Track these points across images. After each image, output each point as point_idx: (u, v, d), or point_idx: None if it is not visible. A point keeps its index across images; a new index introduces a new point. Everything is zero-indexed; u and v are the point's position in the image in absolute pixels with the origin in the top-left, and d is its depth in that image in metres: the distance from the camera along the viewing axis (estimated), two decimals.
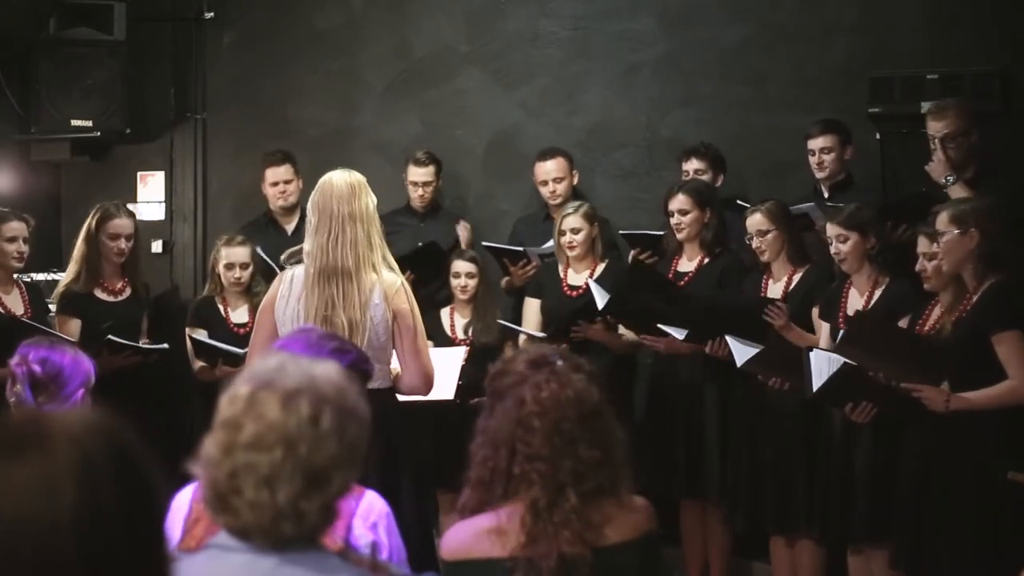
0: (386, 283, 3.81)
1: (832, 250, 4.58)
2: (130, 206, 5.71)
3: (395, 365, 3.90)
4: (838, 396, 4.29)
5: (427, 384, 3.92)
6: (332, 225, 3.80)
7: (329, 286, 3.77)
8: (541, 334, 5.24)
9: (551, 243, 5.53)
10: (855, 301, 4.56)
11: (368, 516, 2.63)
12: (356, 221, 3.80)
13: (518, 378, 2.37)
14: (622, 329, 5.19)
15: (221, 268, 5.46)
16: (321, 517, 1.76)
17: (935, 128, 4.84)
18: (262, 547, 1.75)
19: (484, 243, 5.85)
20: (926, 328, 4.21)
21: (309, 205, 3.93)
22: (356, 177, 3.91)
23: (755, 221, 4.86)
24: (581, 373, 2.38)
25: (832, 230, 4.56)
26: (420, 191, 6.00)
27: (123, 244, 5.33)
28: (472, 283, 5.50)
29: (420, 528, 3.72)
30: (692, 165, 5.57)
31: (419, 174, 6.00)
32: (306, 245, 3.87)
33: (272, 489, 1.71)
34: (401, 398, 3.94)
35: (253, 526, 1.72)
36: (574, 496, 2.30)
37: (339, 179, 3.88)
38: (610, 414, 2.40)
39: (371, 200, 3.88)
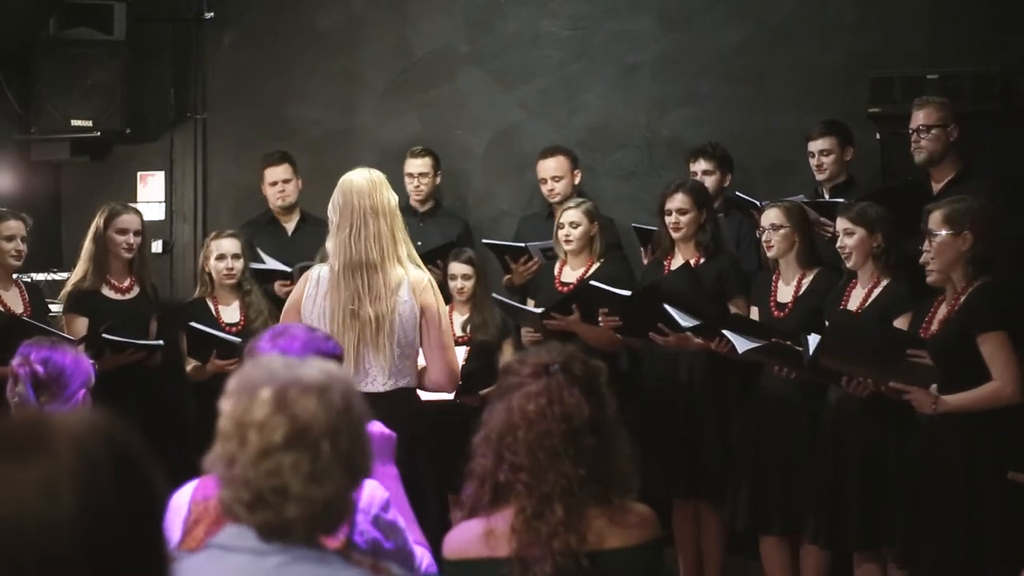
0: (413, 278, 3.80)
1: (838, 244, 4.57)
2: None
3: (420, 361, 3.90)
4: (831, 369, 4.24)
5: (452, 381, 3.92)
6: (354, 220, 3.79)
7: (354, 280, 3.75)
8: (538, 310, 5.15)
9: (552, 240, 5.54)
10: (855, 300, 4.54)
11: (369, 510, 2.63)
12: (378, 215, 3.79)
13: (517, 382, 2.36)
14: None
15: (212, 262, 5.44)
16: (351, 507, 1.83)
17: (914, 119, 4.87)
18: (263, 546, 1.75)
19: (485, 240, 5.85)
20: (932, 328, 4.16)
21: (330, 206, 3.91)
22: (375, 174, 3.91)
23: (770, 215, 4.83)
24: (577, 387, 2.33)
25: (840, 224, 4.54)
26: (416, 183, 6.00)
27: (131, 239, 5.33)
28: (468, 284, 5.49)
29: (442, 526, 3.72)
30: (700, 166, 5.54)
31: (414, 165, 6.00)
32: (329, 244, 3.86)
33: (320, 482, 1.74)
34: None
35: (297, 521, 1.75)
36: (560, 509, 2.28)
37: (358, 176, 3.88)
38: (609, 426, 2.36)
39: (392, 196, 3.87)
